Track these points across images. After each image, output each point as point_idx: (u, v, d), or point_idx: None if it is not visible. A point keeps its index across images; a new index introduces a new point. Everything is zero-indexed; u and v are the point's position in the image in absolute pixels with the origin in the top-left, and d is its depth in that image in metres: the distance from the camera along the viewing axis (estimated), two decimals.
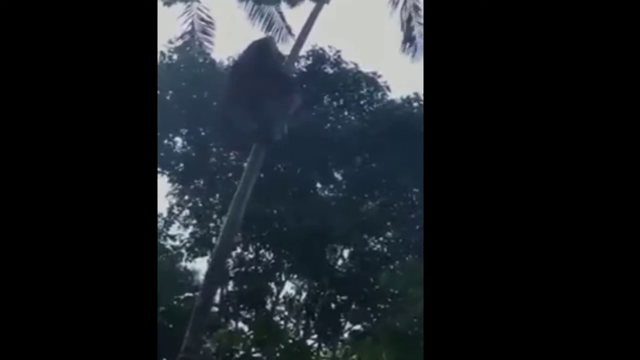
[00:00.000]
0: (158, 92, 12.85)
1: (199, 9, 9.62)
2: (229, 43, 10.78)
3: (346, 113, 13.99)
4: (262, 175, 7.70)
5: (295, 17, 10.44)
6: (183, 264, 13.22)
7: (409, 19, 8.99)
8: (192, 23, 9.63)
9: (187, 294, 12.32)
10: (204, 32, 9.62)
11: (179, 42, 10.10)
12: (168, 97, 13.26)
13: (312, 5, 10.45)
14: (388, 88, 13.96)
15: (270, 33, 10.05)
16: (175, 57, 13.57)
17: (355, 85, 13.83)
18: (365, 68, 14.03)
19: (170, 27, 13.59)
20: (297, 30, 9.66)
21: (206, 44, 9.75)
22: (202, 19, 9.60)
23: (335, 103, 13.90)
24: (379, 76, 13.97)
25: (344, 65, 13.88)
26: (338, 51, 13.85)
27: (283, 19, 10.24)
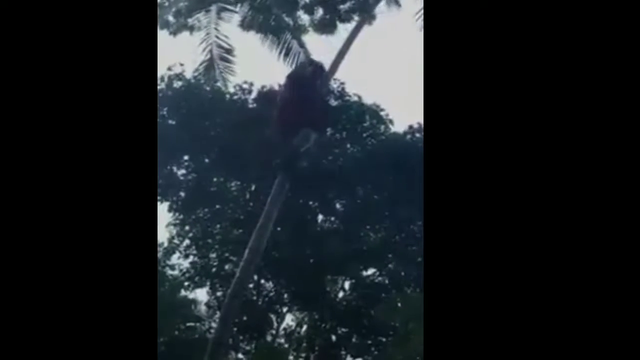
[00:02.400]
0: (161, 117, 12.91)
1: (217, 37, 9.62)
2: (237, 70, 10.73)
3: (348, 145, 14.05)
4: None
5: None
6: (183, 293, 13.06)
7: None
8: (210, 51, 9.62)
9: (188, 324, 12.16)
10: (224, 59, 9.61)
11: (199, 69, 10.01)
12: (172, 123, 13.28)
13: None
14: (391, 121, 14.10)
15: (288, 59, 10.05)
16: (180, 84, 13.63)
17: (358, 117, 13.92)
18: (369, 100, 14.18)
19: (175, 55, 13.69)
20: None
21: (226, 72, 9.71)
22: (221, 47, 9.60)
23: (338, 135, 13.96)
24: (382, 109, 14.11)
25: (347, 97, 13.99)
26: (342, 83, 13.99)
27: (301, 44, 10.25)
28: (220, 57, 9.53)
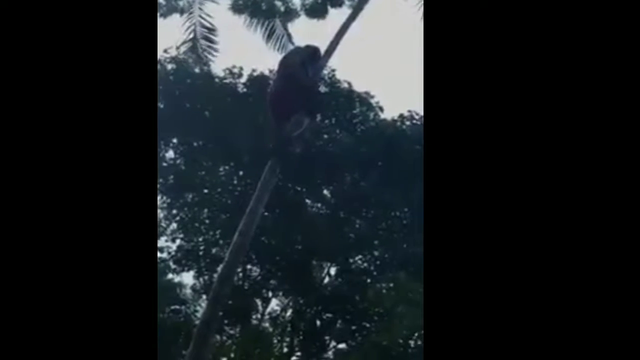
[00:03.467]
0: None
1: (201, 17, 9.51)
2: (226, 55, 10.64)
3: (338, 131, 14.06)
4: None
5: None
6: (169, 276, 13.08)
7: None
8: (194, 30, 9.51)
9: (174, 307, 12.19)
10: (207, 39, 9.50)
11: (181, 49, 9.88)
12: (161, 106, 13.20)
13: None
14: (381, 108, 14.10)
15: (270, 41, 10.01)
16: (170, 66, 13.53)
17: (348, 104, 13.92)
18: (359, 88, 14.19)
19: (165, 37, 13.56)
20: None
21: (209, 51, 9.59)
22: (204, 26, 9.49)
23: (327, 121, 13.96)
24: (372, 96, 14.12)
25: (337, 84, 13.98)
26: (333, 70, 13.96)
27: (285, 27, 10.22)
28: (203, 37, 9.41)
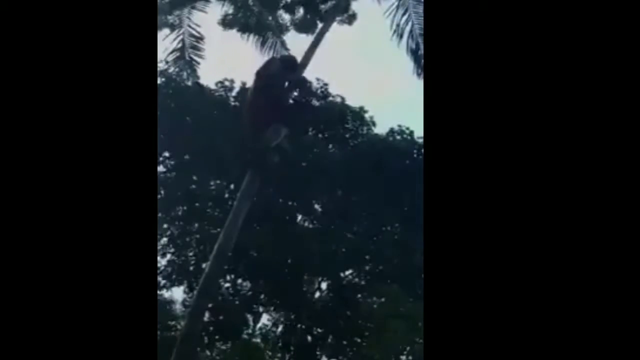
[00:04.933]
0: None
1: (189, 26, 9.56)
2: (218, 69, 10.72)
3: (330, 145, 14.05)
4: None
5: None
6: (160, 292, 12.98)
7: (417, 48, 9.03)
8: (182, 40, 9.55)
9: (165, 322, 12.07)
10: (194, 47, 9.54)
11: (169, 58, 9.89)
12: None
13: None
14: (374, 123, 14.11)
15: (264, 48, 10.03)
16: (160, 80, 13.55)
17: (340, 118, 13.94)
18: (352, 102, 14.20)
19: (158, 52, 13.60)
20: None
21: (195, 60, 9.62)
22: (192, 35, 9.54)
23: (320, 135, 13.97)
24: (366, 111, 14.13)
25: (330, 98, 14.00)
26: (325, 84, 14.00)
27: (282, 43, 10.24)
28: (191, 46, 9.47)
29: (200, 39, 9.47)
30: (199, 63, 9.59)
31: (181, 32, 9.47)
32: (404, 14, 8.98)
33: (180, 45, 9.44)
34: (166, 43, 10.30)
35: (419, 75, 8.89)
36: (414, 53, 8.81)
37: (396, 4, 9.03)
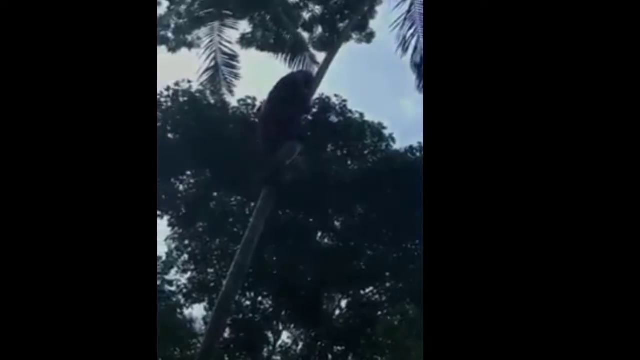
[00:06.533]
0: (164, 131, 12.99)
1: (220, 44, 9.58)
2: (239, 86, 10.72)
3: (349, 162, 14.06)
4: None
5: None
6: (179, 310, 13.04)
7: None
8: (214, 58, 9.58)
9: (187, 341, 12.12)
10: (228, 65, 9.55)
11: (202, 79, 9.84)
12: (174, 136, 13.35)
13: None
14: (393, 139, 14.10)
15: (294, 63, 9.99)
16: (182, 99, 13.72)
17: (359, 134, 13.95)
18: (371, 118, 14.22)
19: (176, 70, 13.81)
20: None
21: (230, 78, 9.61)
22: (225, 53, 9.55)
23: (339, 152, 13.98)
24: (384, 127, 14.13)
25: (349, 114, 14.03)
26: (344, 100, 14.03)
27: (306, 48, 10.23)
28: (225, 64, 9.49)
29: (234, 57, 9.50)
30: (235, 80, 9.59)
31: (214, 49, 9.49)
32: (409, 28, 8.94)
33: (213, 64, 9.48)
34: (183, 61, 10.40)
35: (419, 90, 8.84)
36: (417, 67, 8.75)
37: (403, 17, 9.03)
